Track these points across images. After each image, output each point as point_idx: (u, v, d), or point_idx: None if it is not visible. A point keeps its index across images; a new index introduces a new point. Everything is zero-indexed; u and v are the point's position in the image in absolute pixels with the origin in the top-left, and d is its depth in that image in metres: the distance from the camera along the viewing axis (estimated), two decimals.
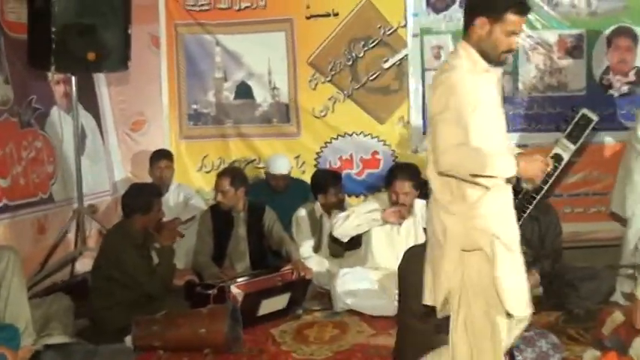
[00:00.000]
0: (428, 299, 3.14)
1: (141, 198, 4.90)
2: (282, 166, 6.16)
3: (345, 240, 5.37)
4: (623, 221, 5.43)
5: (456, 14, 6.18)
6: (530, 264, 5.08)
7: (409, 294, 3.57)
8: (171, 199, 6.17)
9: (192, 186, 6.54)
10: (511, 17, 3.04)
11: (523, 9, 3.11)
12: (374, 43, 6.35)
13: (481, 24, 3.04)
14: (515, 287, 3.03)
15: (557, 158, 4.98)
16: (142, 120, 6.85)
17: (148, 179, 6.10)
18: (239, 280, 4.94)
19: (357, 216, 5.25)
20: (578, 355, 4.23)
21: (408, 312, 3.57)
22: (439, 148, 2.91)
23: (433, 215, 3.10)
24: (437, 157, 2.93)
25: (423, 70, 6.32)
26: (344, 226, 5.25)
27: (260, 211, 5.57)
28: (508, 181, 2.99)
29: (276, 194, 6.09)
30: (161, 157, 6.20)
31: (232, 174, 5.55)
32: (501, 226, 3.01)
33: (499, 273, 2.96)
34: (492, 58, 3.09)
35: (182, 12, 6.57)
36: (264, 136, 6.57)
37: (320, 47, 6.39)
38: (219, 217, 5.51)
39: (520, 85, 6.25)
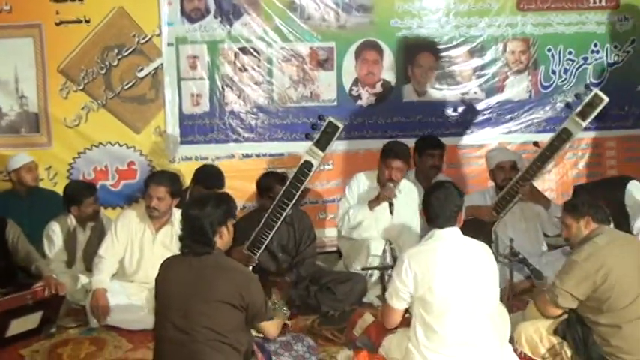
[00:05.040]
0: None
1: None
2: (21, 157, 6.05)
3: None
4: None
5: (211, 24, 6.46)
6: (287, 270, 5.52)
7: (169, 305, 3.58)
8: None
9: None
10: None
11: None
12: (128, 52, 6.42)
13: None
14: None
15: (307, 165, 5.20)
16: None
17: None
18: None
19: None
20: (333, 355, 4.57)
21: (168, 324, 3.54)
22: None
23: None
24: None
25: (179, 80, 6.50)
26: None
27: (2, 224, 5.33)
28: None
29: (25, 204, 5.99)
30: None
31: None
32: None
33: None
34: None
35: None
36: (11, 146, 6.37)
37: (71, 55, 6.35)
38: None
39: (275, 96, 6.63)
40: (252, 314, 3.63)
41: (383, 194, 5.59)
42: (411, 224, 5.79)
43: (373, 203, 5.64)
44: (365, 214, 5.68)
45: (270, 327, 3.84)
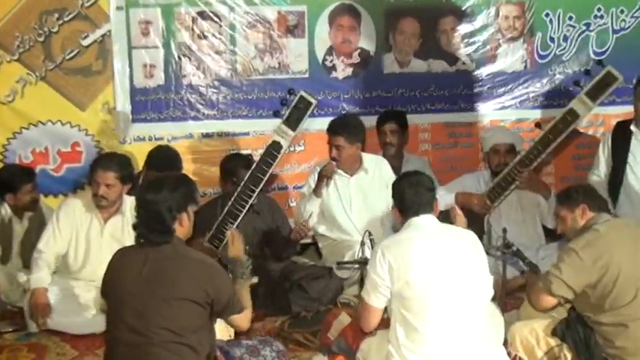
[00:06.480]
0: None
1: None
2: None
3: None
4: None
5: None
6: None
7: (123, 303, 3.40)
8: None
9: None
10: None
11: None
12: (70, 16, 6.02)
13: None
14: None
15: (276, 146, 5.05)
16: None
17: None
18: None
19: None
20: None
21: (122, 324, 3.36)
22: None
23: None
24: None
25: (130, 49, 6.16)
26: None
27: None
28: None
29: None
30: None
31: None
32: None
33: None
34: None
35: None
36: None
37: (4, 20, 5.93)
38: None
39: (238, 67, 6.32)
40: (219, 310, 3.51)
41: (320, 173, 5.55)
42: (382, 204, 5.64)
43: (317, 188, 5.58)
44: (314, 203, 5.61)
45: (241, 320, 3.69)
